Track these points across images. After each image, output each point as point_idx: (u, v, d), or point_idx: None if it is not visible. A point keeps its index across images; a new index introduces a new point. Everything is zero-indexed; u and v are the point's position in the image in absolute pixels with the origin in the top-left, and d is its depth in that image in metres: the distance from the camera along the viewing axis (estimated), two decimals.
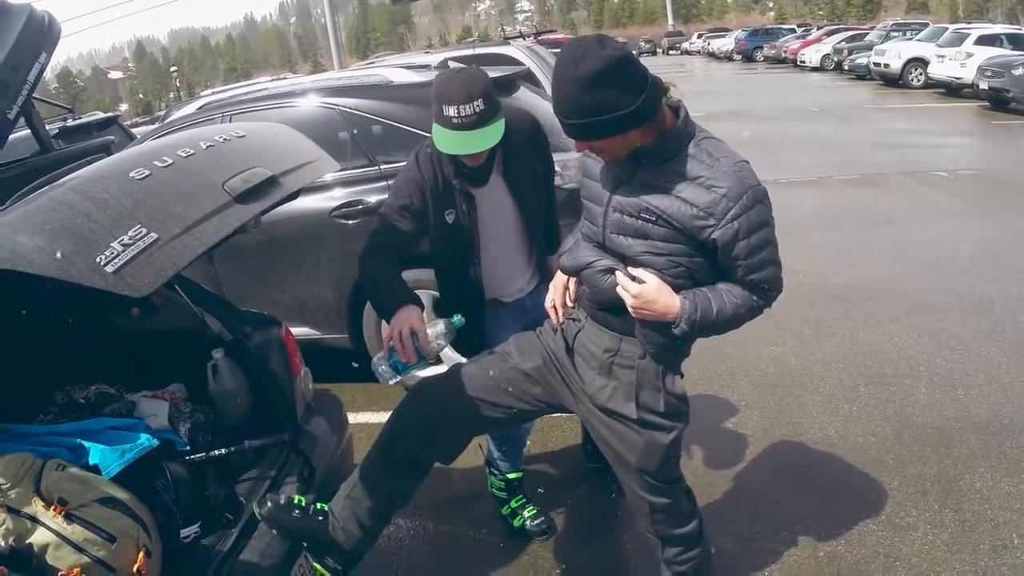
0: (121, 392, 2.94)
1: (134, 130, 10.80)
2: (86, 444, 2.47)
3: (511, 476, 3.61)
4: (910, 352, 5.17)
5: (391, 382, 2.73)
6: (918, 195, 9.79)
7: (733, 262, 2.23)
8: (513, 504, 3.64)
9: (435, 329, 2.66)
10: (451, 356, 4.93)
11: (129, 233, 1.81)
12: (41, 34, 2.80)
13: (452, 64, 2.87)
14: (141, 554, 2.15)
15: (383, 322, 4.82)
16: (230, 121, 5.18)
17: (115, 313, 3.15)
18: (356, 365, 5.00)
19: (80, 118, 10.45)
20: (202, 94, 23.02)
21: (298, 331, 5.06)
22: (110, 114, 11.95)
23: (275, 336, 3.15)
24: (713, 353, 5.16)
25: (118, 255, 1.75)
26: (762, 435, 4.30)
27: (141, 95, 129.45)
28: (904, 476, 3.81)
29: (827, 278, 6.77)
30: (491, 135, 2.66)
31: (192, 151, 2.27)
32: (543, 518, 3.62)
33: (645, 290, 2.25)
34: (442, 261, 3.11)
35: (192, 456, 2.71)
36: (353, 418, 4.85)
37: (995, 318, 5.64)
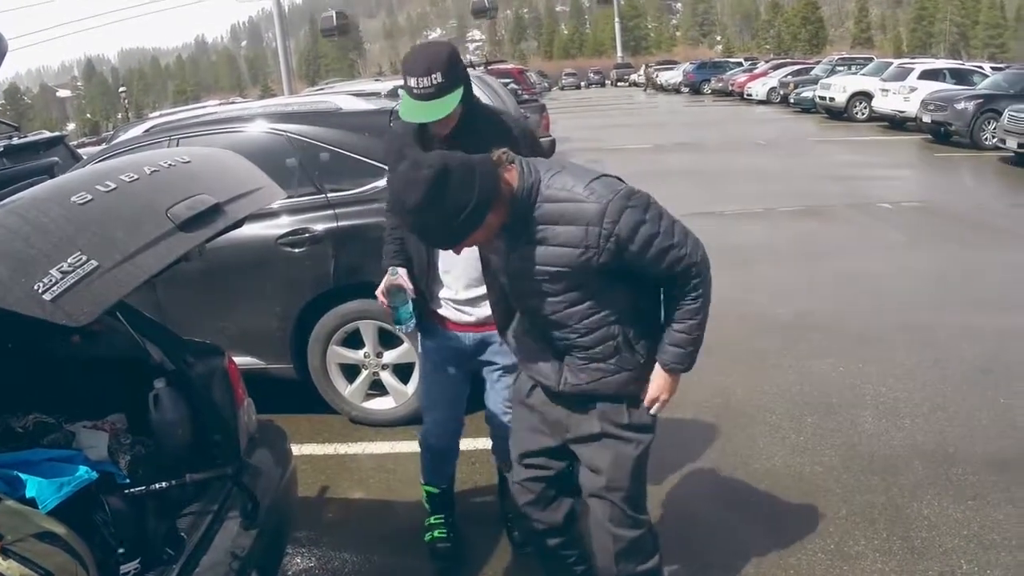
0: (60, 422, 2.86)
1: (81, 150, 10.59)
2: (23, 476, 2.39)
3: (431, 490, 3.68)
4: (855, 382, 5.22)
5: (408, 330, 3.23)
6: (862, 227, 9.95)
7: (637, 266, 2.31)
8: (431, 519, 3.71)
9: (392, 279, 3.16)
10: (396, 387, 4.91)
11: (69, 260, 1.77)
12: None
13: (400, 92, 2.89)
14: None
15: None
16: (177, 145, 5.10)
17: (54, 340, 3.05)
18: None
19: (26, 136, 10.25)
20: (150, 116, 22.70)
21: (243, 360, 4.93)
22: (56, 133, 11.73)
23: (218, 366, 3.09)
24: None
25: (57, 283, 1.70)
26: (710, 466, 4.30)
27: (89, 115, 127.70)
28: (852, 505, 3.83)
29: (772, 309, 6.82)
30: (446, 104, 2.76)
31: (136, 176, 2.22)
32: (448, 544, 3.67)
33: (660, 396, 2.52)
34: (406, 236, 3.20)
35: (132, 490, 2.62)
36: (298, 449, 4.75)
37: (939, 348, 5.72)
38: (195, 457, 2.90)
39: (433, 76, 2.71)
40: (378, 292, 3.17)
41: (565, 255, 2.26)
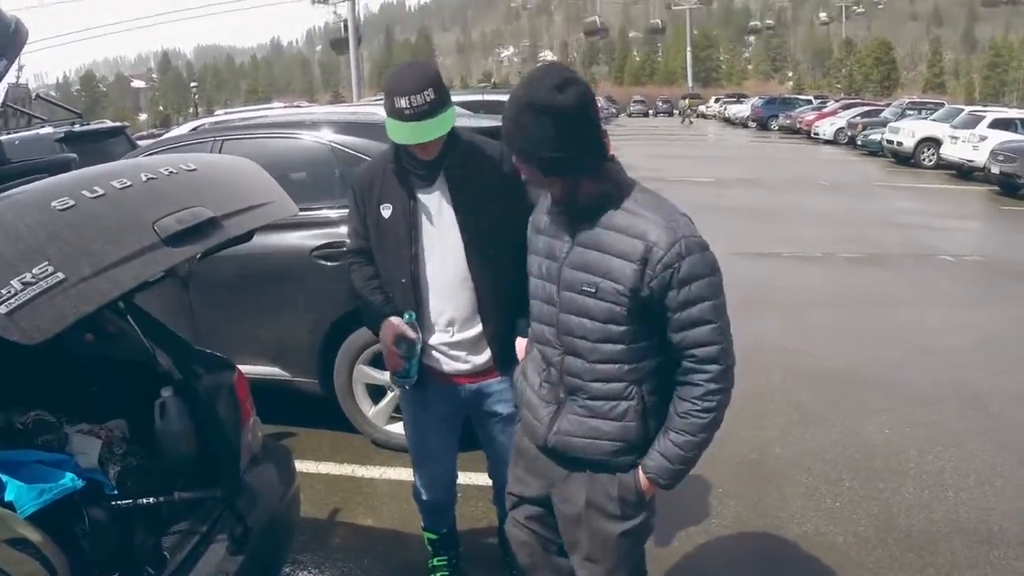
0: (61, 422, 2.78)
1: (147, 141, 10.80)
2: (4, 478, 2.32)
3: (431, 536, 3.49)
4: (901, 446, 4.96)
5: (407, 386, 2.96)
6: (922, 278, 9.65)
7: (665, 315, 2.11)
8: (434, 561, 3.52)
9: (397, 326, 2.85)
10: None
11: (33, 271, 1.65)
12: (3, 38, 2.64)
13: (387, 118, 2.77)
14: None
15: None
16: (221, 146, 5.08)
17: (68, 336, 2.98)
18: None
19: (88, 124, 10.45)
20: (217, 112, 23.05)
21: (269, 371, 4.92)
22: (118, 123, 11.95)
23: (226, 380, 3.00)
24: None
25: (15, 295, 1.58)
26: (739, 525, 4.07)
27: (161, 107, 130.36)
28: None
29: (822, 360, 6.56)
30: (443, 123, 2.67)
31: (129, 182, 2.10)
32: None
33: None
34: (380, 264, 2.98)
35: (118, 502, 2.53)
36: (315, 467, 4.74)
37: (991, 414, 5.44)
38: (194, 471, 2.81)
39: (426, 93, 2.60)
40: (388, 345, 2.87)
41: (620, 269, 2.08)
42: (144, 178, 2.17)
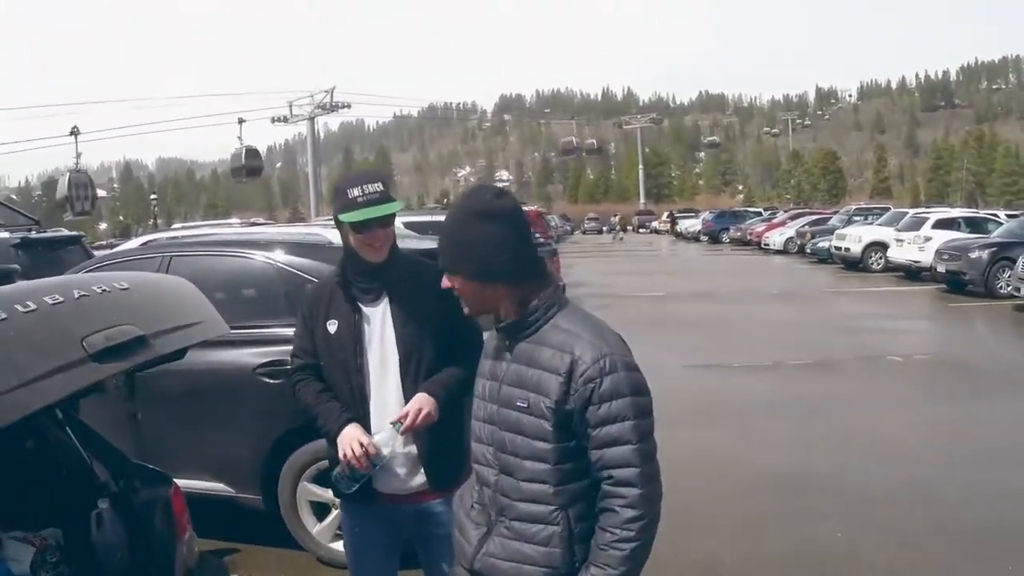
0: None
1: (103, 252, 10.86)
2: None
3: None
4: (853, 548, 4.93)
5: (351, 491, 2.86)
6: (871, 381, 9.78)
7: (586, 432, 2.09)
8: None
9: (380, 437, 2.83)
10: None
11: None
12: None
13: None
14: None
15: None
16: (169, 262, 5.17)
17: (6, 444, 2.96)
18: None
19: (45, 232, 10.55)
20: (175, 225, 23.45)
21: (213, 486, 4.87)
22: (74, 233, 12.05)
23: (163, 494, 3.01)
24: None
25: None
26: None
27: (122, 217, 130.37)
28: None
29: (771, 466, 6.53)
30: (394, 206, 2.86)
31: (62, 299, 2.16)
32: None
33: None
34: (328, 378, 3.00)
35: None
36: None
37: (945, 509, 5.48)
38: None
39: (376, 184, 2.82)
40: (360, 456, 2.78)
41: (548, 382, 2.10)
42: (76, 295, 2.24)
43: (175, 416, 4.92)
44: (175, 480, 3.12)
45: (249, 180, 34.31)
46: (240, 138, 31.90)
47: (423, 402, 2.79)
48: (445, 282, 2.26)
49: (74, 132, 26.88)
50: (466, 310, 2.30)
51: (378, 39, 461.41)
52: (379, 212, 2.80)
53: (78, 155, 26.68)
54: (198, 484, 4.74)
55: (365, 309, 2.92)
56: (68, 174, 25.79)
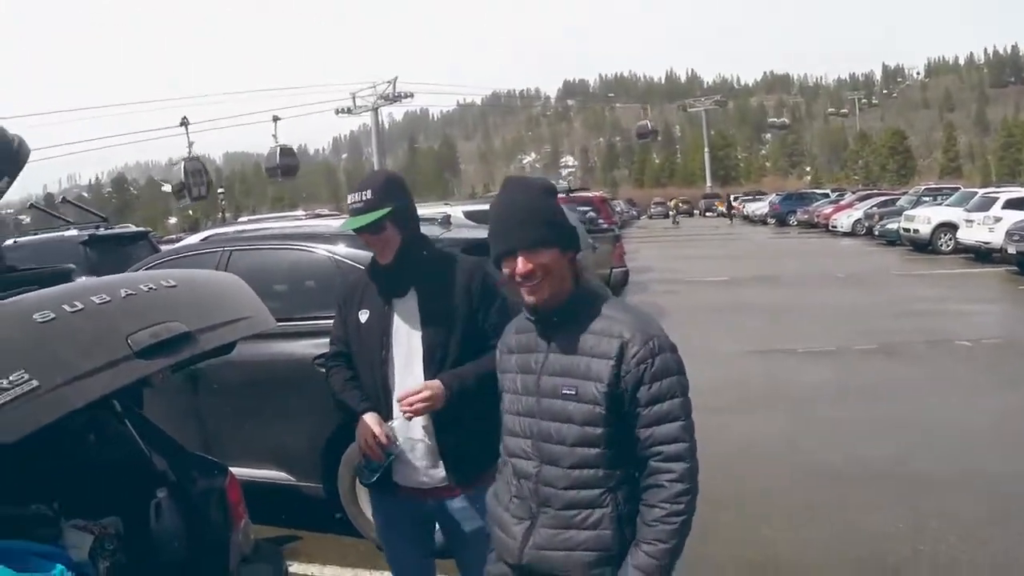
0: (58, 516, 2.87)
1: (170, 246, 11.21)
2: None
3: None
4: (912, 538, 4.85)
5: (372, 480, 2.95)
6: (938, 366, 9.59)
7: (635, 412, 2.17)
8: None
9: (394, 424, 2.93)
10: None
11: (11, 377, 1.79)
12: (5, 156, 2.81)
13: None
14: None
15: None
16: (230, 256, 5.30)
17: (71, 437, 3.09)
18: (339, 516, 4.92)
19: (112, 228, 10.90)
20: (240, 219, 23.89)
21: (274, 474, 4.99)
22: (141, 228, 12.42)
23: (218, 483, 3.10)
24: (694, 530, 4.88)
25: None
26: None
27: (190, 212, 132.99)
28: None
29: (830, 454, 6.45)
30: (365, 219, 2.91)
31: (108, 298, 2.25)
32: None
33: None
34: (358, 367, 3.11)
35: None
36: (320, 570, 4.73)
37: (1008, 501, 5.33)
38: (184, 569, 2.89)
39: (364, 193, 2.92)
40: (373, 445, 2.90)
41: (599, 368, 2.18)
42: (123, 294, 2.33)
43: (238, 407, 5.08)
44: (234, 469, 3.23)
45: (285, 179, 34.61)
46: (275, 136, 32.11)
47: (429, 386, 2.85)
48: (523, 266, 2.22)
49: (184, 123, 28.00)
50: (545, 294, 2.26)
51: (439, 28, 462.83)
52: (356, 224, 2.92)
53: (190, 143, 27.82)
54: (260, 473, 4.89)
55: (396, 303, 3.00)
56: (183, 161, 26.74)
